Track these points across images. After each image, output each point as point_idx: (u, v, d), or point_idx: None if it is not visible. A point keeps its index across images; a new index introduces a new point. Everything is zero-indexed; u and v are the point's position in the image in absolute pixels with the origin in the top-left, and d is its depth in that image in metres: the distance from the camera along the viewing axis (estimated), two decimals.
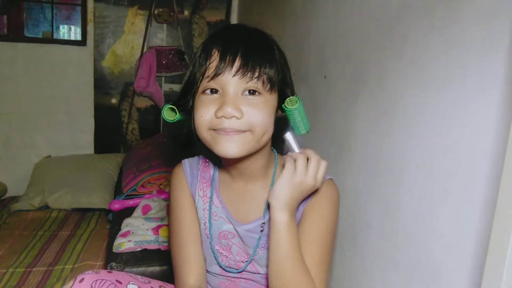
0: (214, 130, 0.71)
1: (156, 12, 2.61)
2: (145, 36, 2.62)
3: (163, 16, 2.62)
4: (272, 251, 0.74)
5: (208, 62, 0.72)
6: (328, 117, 1.26)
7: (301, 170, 0.71)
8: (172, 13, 2.63)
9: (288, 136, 0.75)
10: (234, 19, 2.77)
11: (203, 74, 0.72)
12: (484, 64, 0.66)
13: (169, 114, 0.79)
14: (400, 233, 0.88)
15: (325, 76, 1.30)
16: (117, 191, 2.29)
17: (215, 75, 0.70)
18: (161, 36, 2.68)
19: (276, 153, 0.86)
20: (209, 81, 0.71)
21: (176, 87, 2.73)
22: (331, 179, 0.83)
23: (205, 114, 0.71)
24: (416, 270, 0.82)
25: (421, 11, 0.83)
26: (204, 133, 0.73)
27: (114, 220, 1.82)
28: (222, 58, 0.70)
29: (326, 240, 0.78)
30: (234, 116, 0.69)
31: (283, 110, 0.77)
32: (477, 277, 0.66)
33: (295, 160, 0.72)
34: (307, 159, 0.73)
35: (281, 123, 0.79)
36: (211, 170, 0.88)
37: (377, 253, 0.97)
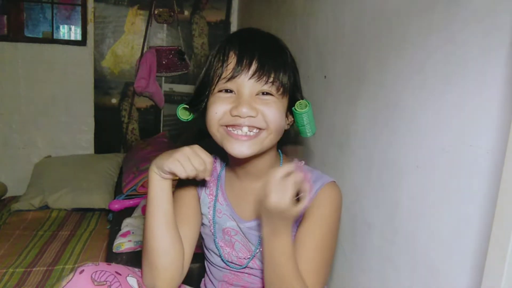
0: (226, 126, 0.74)
1: (156, 12, 2.61)
2: (145, 36, 2.62)
3: (163, 16, 2.62)
4: (263, 260, 0.75)
5: (225, 64, 0.74)
6: (328, 117, 1.26)
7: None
8: (172, 13, 2.63)
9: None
10: (234, 19, 2.76)
11: (219, 76, 0.75)
12: (484, 63, 0.66)
13: (183, 114, 0.83)
14: (400, 233, 0.88)
15: (325, 76, 1.30)
16: (117, 191, 2.29)
17: (232, 77, 0.73)
18: (161, 36, 2.68)
19: (281, 154, 0.88)
20: (226, 82, 0.74)
21: (176, 87, 2.74)
22: (334, 181, 0.83)
23: (219, 111, 0.74)
24: (416, 270, 0.82)
25: (421, 11, 0.83)
26: (214, 129, 0.76)
27: (114, 220, 1.82)
28: (239, 61, 0.73)
29: (326, 244, 0.78)
30: (249, 116, 0.72)
31: (292, 113, 0.80)
32: (477, 277, 0.66)
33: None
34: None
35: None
36: (218, 169, 0.91)
37: (377, 253, 0.97)
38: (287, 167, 0.66)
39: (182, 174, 0.73)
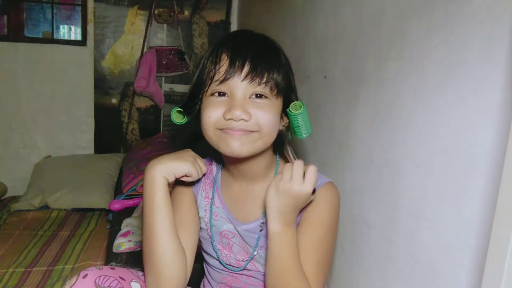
0: (221, 129, 0.73)
1: (156, 12, 2.61)
2: (145, 36, 2.63)
3: (163, 16, 2.62)
4: (267, 258, 0.75)
5: (217, 66, 0.73)
6: (328, 117, 1.26)
7: (286, 177, 0.70)
8: (172, 13, 2.63)
9: (288, 149, 0.76)
10: (234, 19, 2.77)
11: (212, 78, 0.74)
12: (484, 63, 0.66)
13: (177, 117, 0.82)
14: (400, 233, 0.88)
15: (325, 76, 1.30)
16: (117, 191, 2.29)
17: (225, 79, 0.72)
18: (161, 36, 2.68)
19: (278, 157, 0.87)
20: (218, 84, 0.73)
21: (176, 87, 2.74)
22: (331, 182, 0.83)
23: (213, 115, 0.73)
24: (416, 270, 0.82)
25: (421, 11, 0.83)
26: (210, 133, 0.75)
27: (114, 220, 1.82)
28: (231, 63, 0.72)
29: (324, 245, 0.78)
30: (242, 119, 0.71)
31: (287, 114, 0.79)
32: (477, 277, 0.66)
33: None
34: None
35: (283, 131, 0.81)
36: (214, 171, 0.90)
37: (377, 253, 0.97)
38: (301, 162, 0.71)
39: (196, 176, 0.78)
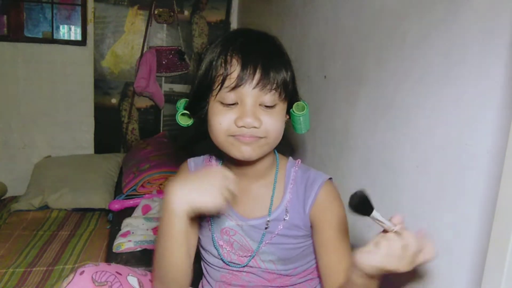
0: (233, 136, 0.74)
1: (156, 12, 2.61)
2: (145, 36, 2.62)
3: (163, 16, 2.62)
4: None
5: (227, 71, 0.72)
6: (328, 117, 1.26)
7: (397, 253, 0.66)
8: (172, 13, 2.63)
9: (376, 215, 0.69)
10: (234, 19, 2.76)
11: (221, 83, 0.73)
12: (484, 63, 0.66)
13: (183, 119, 0.82)
14: None
15: (325, 76, 1.30)
16: (117, 191, 2.29)
17: (236, 86, 0.72)
18: (161, 36, 2.67)
19: (277, 154, 0.88)
20: (229, 91, 0.73)
21: (176, 87, 2.73)
22: (331, 178, 0.84)
23: (224, 122, 0.74)
24: (416, 270, 0.82)
25: (421, 11, 0.83)
26: (221, 139, 0.75)
27: (114, 220, 1.82)
28: (243, 69, 0.72)
29: (346, 235, 0.82)
30: (253, 127, 0.72)
31: (289, 113, 0.81)
32: (477, 277, 0.66)
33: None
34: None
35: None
36: None
37: None
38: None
39: (222, 209, 0.71)
